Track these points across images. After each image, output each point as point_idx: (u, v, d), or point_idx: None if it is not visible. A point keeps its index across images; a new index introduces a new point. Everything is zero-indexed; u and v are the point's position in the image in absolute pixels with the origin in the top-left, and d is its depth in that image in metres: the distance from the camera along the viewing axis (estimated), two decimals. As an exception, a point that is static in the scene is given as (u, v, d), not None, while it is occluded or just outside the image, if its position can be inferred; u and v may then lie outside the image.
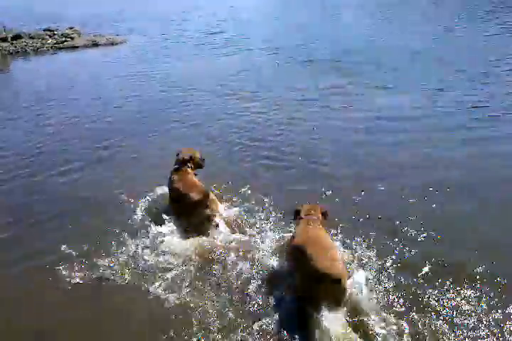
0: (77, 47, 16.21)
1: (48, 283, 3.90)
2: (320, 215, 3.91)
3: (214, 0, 30.95)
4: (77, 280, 3.89)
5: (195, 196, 4.35)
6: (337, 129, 7.03)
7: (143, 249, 4.20)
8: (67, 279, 3.90)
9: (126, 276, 3.89)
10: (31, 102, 9.67)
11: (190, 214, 4.38)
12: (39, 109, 9.17)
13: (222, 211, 4.61)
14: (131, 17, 24.14)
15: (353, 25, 16.86)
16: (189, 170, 4.78)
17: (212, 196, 4.48)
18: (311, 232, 3.64)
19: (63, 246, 4.26)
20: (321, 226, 3.79)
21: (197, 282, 3.78)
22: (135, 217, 4.73)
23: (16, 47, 16.10)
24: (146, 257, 4.07)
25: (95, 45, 16.31)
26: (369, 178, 5.42)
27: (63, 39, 16.83)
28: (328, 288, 3.14)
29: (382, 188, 5.13)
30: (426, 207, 4.71)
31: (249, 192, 5.05)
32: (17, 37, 16.79)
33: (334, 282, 3.09)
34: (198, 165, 4.92)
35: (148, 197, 5.00)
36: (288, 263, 3.70)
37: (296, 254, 3.45)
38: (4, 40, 16.49)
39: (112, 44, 16.35)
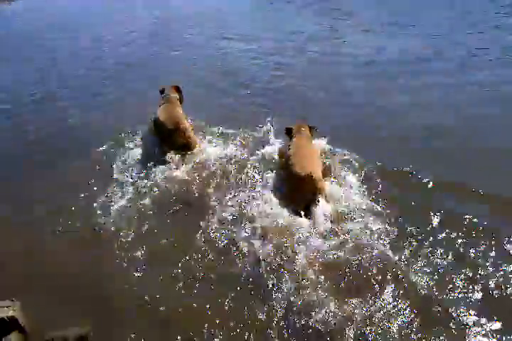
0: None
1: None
2: (308, 131, 4.76)
3: None
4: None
5: (169, 125, 4.89)
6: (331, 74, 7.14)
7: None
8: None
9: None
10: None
11: (167, 139, 4.94)
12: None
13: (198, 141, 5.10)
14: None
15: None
16: (177, 100, 5.38)
17: (187, 125, 4.98)
18: (300, 146, 4.45)
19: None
20: (309, 140, 4.66)
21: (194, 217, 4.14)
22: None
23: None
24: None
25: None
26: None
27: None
28: (301, 184, 3.99)
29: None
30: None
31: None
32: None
33: (302, 179, 3.95)
34: (180, 99, 5.51)
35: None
36: (282, 169, 4.48)
37: (287, 162, 4.30)
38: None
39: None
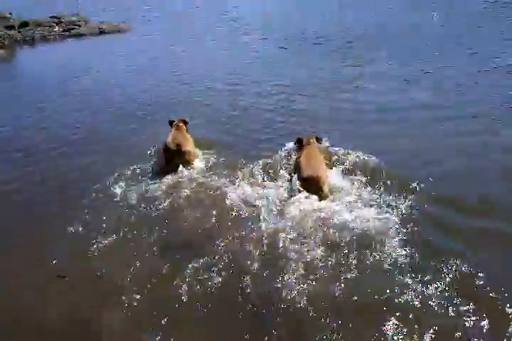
0: (84, 34, 16.26)
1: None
2: (316, 142, 5.78)
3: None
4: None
5: (172, 147, 5.76)
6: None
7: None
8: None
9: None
10: (31, 94, 9.79)
11: (168, 159, 5.80)
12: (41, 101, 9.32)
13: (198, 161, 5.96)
14: (138, 5, 23.94)
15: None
16: (183, 126, 6.30)
17: (189, 148, 5.85)
18: (310, 154, 5.40)
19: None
20: (316, 150, 5.59)
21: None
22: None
23: (23, 35, 16.14)
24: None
25: (102, 32, 16.34)
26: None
27: (70, 26, 16.85)
28: (308, 184, 4.97)
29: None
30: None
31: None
32: (24, 24, 16.79)
33: (307, 181, 4.95)
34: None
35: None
36: (295, 171, 5.31)
37: (298, 167, 5.22)
38: (11, 27, 16.51)
39: (119, 31, 16.37)
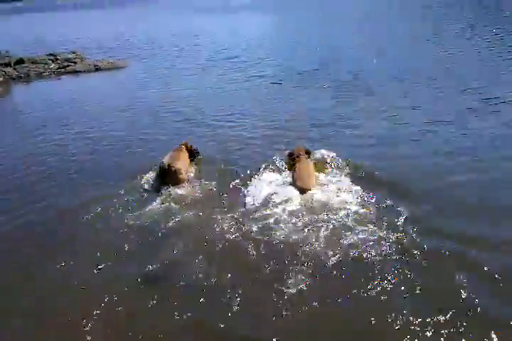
0: (80, 71, 16.36)
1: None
2: (305, 154, 6.46)
3: (206, 27, 31.32)
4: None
5: (164, 165, 6.06)
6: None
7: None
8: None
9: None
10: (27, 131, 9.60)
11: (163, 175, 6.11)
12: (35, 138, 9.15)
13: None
14: (132, 41, 24.40)
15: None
16: (183, 148, 6.68)
17: (177, 165, 6.08)
18: (302, 166, 6.11)
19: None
20: (307, 160, 6.33)
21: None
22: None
23: (18, 72, 16.22)
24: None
25: (97, 69, 16.45)
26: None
27: (66, 64, 16.97)
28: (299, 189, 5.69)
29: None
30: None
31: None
32: (20, 62, 16.91)
33: (302, 190, 5.67)
34: (190, 151, 6.78)
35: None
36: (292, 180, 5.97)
37: (293, 176, 5.97)
38: (7, 65, 16.61)
39: (114, 68, 16.50)
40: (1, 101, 13.13)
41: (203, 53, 18.27)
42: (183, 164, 6.29)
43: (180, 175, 6.09)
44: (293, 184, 5.84)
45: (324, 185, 5.83)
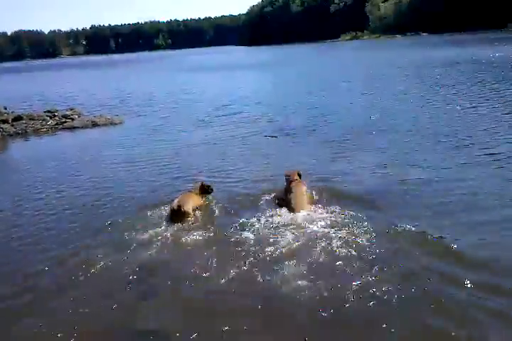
0: (77, 127, 16.55)
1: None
2: (298, 177, 7.19)
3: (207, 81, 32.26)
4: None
5: (173, 206, 6.55)
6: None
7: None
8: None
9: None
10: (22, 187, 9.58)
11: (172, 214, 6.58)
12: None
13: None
14: (130, 98, 24.99)
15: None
16: (197, 190, 7.20)
17: (187, 205, 6.58)
18: (295, 188, 6.85)
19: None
20: (299, 183, 7.06)
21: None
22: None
23: (16, 128, 16.39)
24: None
25: (94, 125, 16.64)
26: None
27: (63, 120, 17.22)
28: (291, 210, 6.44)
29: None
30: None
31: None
32: (18, 118, 17.15)
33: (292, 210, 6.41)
34: (203, 188, 7.27)
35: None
36: (283, 202, 6.78)
37: (286, 197, 6.76)
38: (5, 121, 16.84)
39: (111, 124, 16.70)
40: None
41: (198, 110, 18.59)
42: (191, 204, 6.80)
43: (187, 216, 6.58)
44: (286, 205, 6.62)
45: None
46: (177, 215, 6.45)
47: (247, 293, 4.73)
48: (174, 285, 5.00)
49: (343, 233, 5.63)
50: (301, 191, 6.84)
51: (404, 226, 5.85)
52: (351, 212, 6.30)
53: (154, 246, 5.88)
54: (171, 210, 6.54)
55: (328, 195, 7.18)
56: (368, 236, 5.58)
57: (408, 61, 33.79)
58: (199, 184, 7.29)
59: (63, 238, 6.50)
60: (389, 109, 15.12)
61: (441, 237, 5.58)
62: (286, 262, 5.14)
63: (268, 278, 4.89)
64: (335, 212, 6.34)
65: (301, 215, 6.27)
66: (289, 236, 5.70)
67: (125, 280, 5.15)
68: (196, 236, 6.06)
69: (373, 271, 4.84)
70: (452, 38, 66.54)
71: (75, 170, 10.50)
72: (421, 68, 27.81)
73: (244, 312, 4.44)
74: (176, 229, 6.32)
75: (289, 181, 7.08)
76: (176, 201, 6.66)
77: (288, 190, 6.88)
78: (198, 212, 6.88)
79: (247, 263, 5.23)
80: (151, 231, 6.27)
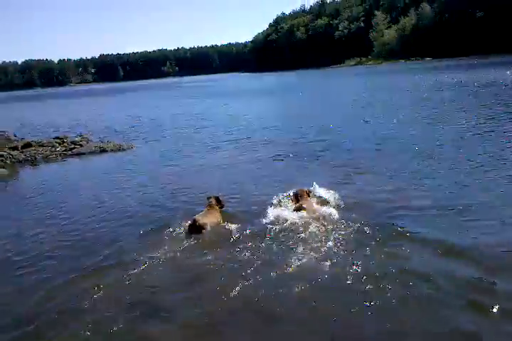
0: (85, 153, 16.56)
1: None
2: (306, 195, 7.75)
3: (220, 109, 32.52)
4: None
5: (195, 221, 7.01)
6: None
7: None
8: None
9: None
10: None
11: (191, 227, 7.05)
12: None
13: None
14: (140, 125, 25.14)
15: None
16: (214, 206, 7.65)
17: (203, 220, 7.08)
18: (306, 202, 7.47)
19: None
20: (308, 199, 7.68)
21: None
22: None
23: (25, 155, 16.43)
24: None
25: (103, 151, 16.65)
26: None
27: (72, 146, 17.27)
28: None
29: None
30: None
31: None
32: (27, 145, 17.26)
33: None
34: (218, 200, 7.84)
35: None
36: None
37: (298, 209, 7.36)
38: (15, 148, 16.93)
39: (119, 150, 16.70)
40: (7, 185, 12.99)
41: (208, 135, 18.57)
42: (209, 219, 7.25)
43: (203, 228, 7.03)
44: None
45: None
46: (193, 229, 6.96)
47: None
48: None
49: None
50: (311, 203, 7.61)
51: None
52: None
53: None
54: (189, 225, 7.03)
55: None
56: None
57: (420, 84, 33.89)
58: (213, 198, 7.74)
59: (73, 262, 6.38)
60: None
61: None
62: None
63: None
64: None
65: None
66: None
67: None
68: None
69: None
70: (458, 63, 67.08)
71: (81, 196, 10.46)
72: (436, 91, 27.83)
73: None
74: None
75: (297, 197, 7.74)
76: (196, 216, 7.19)
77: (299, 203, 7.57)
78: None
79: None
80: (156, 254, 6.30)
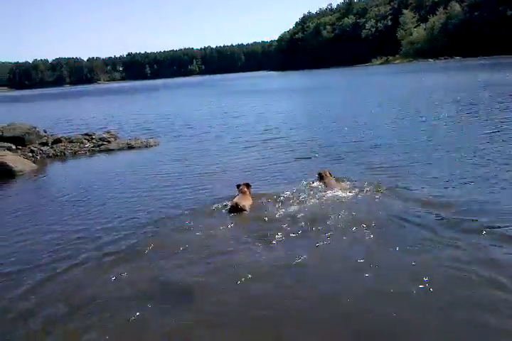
0: (113, 150, 16.80)
1: None
2: (329, 174, 9.17)
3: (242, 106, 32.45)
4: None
5: (233, 203, 8.04)
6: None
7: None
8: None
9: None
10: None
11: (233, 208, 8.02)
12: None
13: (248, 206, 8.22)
14: (169, 122, 25.29)
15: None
16: (246, 189, 8.57)
17: (243, 203, 8.09)
18: (330, 181, 8.90)
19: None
20: (331, 178, 9.09)
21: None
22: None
23: (55, 150, 16.77)
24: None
25: (130, 147, 16.86)
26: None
27: (100, 143, 17.55)
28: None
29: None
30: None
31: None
32: (57, 141, 17.61)
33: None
34: (248, 185, 8.76)
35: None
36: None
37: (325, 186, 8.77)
38: (45, 144, 17.31)
39: (146, 146, 16.88)
40: (37, 179, 13.29)
41: (236, 134, 18.39)
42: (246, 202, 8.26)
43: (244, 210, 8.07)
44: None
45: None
46: (235, 210, 7.94)
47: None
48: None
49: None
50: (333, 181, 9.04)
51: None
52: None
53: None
54: (231, 206, 8.01)
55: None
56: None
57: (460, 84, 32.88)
58: (243, 185, 8.66)
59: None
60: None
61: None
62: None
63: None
64: None
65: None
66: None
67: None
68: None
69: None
70: (492, 61, 65.39)
71: (109, 190, 10.64)
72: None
73: None
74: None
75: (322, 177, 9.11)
76: (234, 199, 8.21)
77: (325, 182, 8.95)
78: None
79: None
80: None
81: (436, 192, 8.19)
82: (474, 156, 10.64)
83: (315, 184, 9.04)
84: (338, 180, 9.10)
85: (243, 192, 8.49)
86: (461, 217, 6.82)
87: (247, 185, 8.74)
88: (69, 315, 5.00)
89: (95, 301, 5.23)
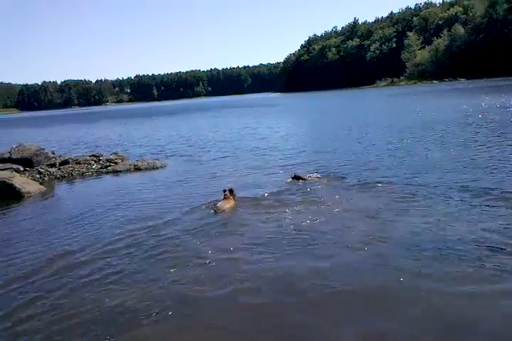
0: (120, 171, 16.88)
1: None
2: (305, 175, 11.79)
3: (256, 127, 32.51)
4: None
5: (218, 208, 9.52)
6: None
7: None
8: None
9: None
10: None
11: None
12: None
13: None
14: (173, 143, 25.49)
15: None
16: (229, 196, 9.93)
17: (225, 207, 9.56)
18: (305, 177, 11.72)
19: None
20: (306, 176, 11.80)
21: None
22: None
23: (62, 172, 16.90)
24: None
25: (137, 169, 16.93)
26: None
27: (107, 164, 17.66)
28: None
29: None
30: None
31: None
32: (65, 162, 17.77)
33: None
34: (231, 190, 10.14)
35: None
36: None
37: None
38: (53, 165, 17.46)
39: (153, 168, 16.95)
40: (44, 201, 13.36)
41: (241, 157, 18.35)
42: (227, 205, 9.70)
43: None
44: None
45: None
46: (218, 211, 9.42)
47: None
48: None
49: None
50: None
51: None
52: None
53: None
54: (214, 210, 9.50)
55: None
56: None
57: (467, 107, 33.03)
58: (227, 191, 10.02)
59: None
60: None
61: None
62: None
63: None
64: None
65: None
66: None
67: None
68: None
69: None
70: (496, 83, 65.77)
71: (113, 212, 10.69)
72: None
73: None
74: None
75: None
76: (218, 203, 9.74)
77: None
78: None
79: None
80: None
81: None
82: None
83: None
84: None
85: (226, 197, 9.87)
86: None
87: (231, 191, 10.09)
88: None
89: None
